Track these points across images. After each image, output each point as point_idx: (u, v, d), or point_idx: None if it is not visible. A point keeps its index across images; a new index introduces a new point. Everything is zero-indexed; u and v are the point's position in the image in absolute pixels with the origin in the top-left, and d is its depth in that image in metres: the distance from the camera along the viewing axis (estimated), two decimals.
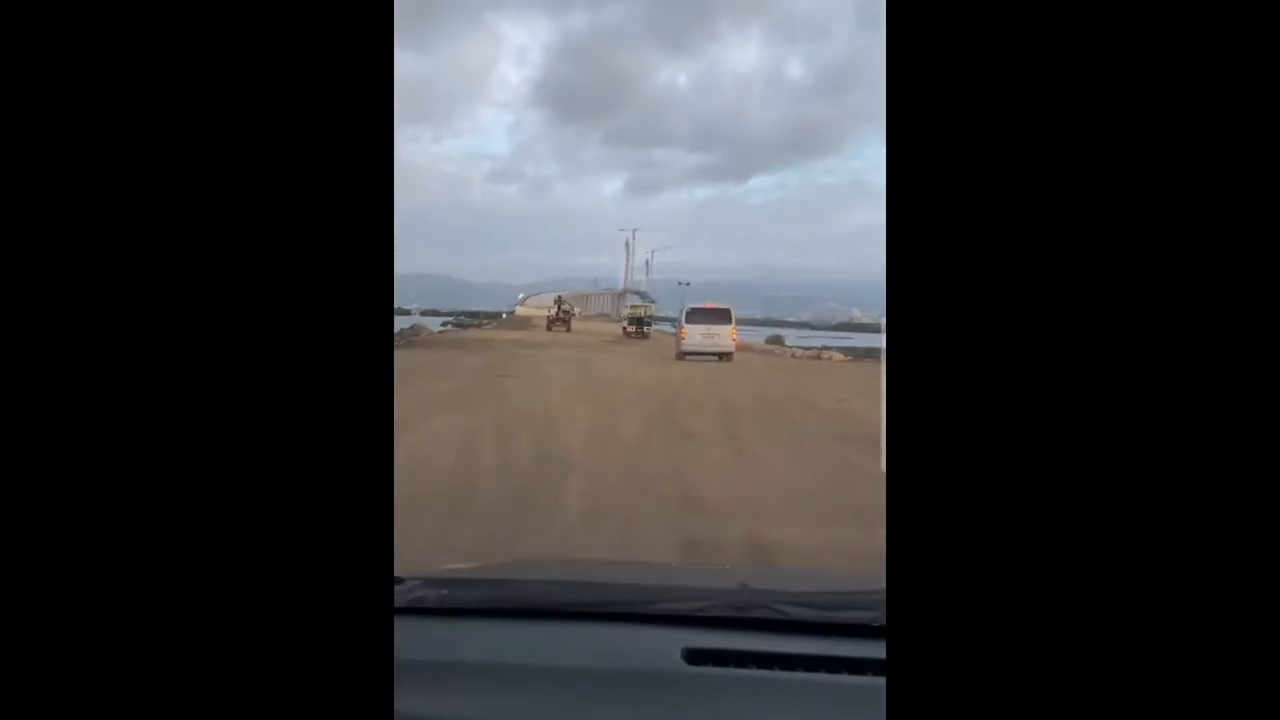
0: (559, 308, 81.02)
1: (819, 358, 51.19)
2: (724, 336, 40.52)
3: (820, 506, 10.37)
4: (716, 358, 39.61)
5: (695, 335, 40.44)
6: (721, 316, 41.64)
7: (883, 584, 1.87)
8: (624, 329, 78.44)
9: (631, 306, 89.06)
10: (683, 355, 39.74)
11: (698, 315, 41.73)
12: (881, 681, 1.89)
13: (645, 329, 74.79)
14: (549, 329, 74.58)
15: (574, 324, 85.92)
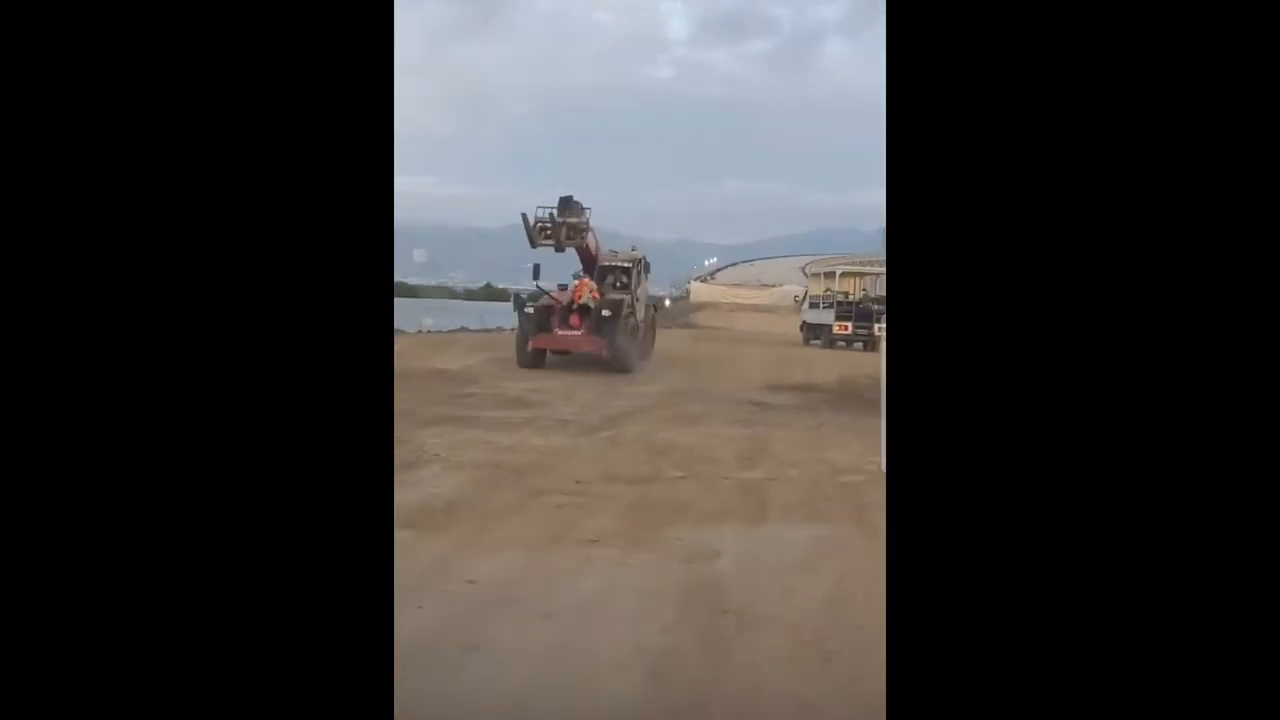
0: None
1: None
2: None
3: None
4: None
5: None
6: None
7: None
8: (806, 327, 40.86)
9: (838, 275, 45.99)
10: None
11: None
12: None
13: (868, 328, 37.52)
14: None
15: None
